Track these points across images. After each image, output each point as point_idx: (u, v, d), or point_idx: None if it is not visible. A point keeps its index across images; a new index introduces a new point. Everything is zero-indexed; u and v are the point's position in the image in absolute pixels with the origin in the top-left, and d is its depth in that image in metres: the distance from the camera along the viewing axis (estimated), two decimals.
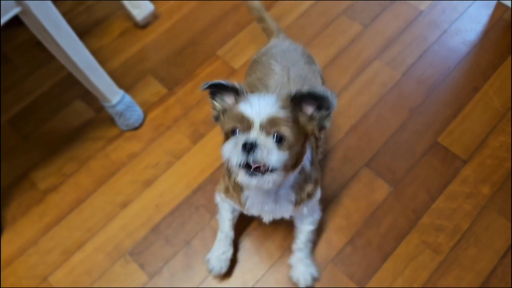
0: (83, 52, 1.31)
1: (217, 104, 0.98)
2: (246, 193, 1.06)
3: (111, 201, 1.46)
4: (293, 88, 0.93)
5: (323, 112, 0.92)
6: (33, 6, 1.12)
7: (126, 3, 1.76)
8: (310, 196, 1.09)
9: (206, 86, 0.94)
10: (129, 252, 1.38)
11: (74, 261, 1.38)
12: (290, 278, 1.28)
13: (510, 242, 1.32)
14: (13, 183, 1.51)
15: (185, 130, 1.58)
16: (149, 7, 1.78)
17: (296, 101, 0.91)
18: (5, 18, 1.11)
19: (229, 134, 0.92)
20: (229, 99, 0.97)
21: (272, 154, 0.86)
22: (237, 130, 0.90)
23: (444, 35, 1.72)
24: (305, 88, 0.89)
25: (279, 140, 0.88)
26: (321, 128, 0.94)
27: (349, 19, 1.78)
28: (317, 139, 1.15)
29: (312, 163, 1.07)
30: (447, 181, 1.43)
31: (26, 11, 1.14)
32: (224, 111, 0.97)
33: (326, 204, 1.40)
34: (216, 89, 0.97)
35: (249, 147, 0.84)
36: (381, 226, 1.37)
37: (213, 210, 1.42)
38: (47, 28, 1.18)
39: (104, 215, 1.44)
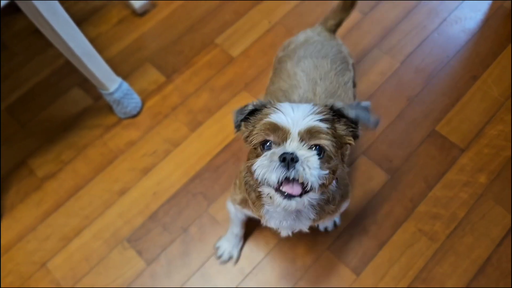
0: (80, 38, 1.30)
1: (243, 126, 0.87)
2: (266, 208, 0.93)
3: (109, 189, 1.47)
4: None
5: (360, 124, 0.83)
6: None
7: None
8: (331, 214, 0.99)
9: (238, 119, 0.84)
10: (126, 239, 1.38)
11: (72, 248, 1.38)
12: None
13: (506, 231, 1.33)
14: (11, 170, 1.52)
15: (183, 118, 1.57)
16: None
17: (335, 112, 0.82)
18: (2, 3, 1.10)
19: (258, 148, 0.81)
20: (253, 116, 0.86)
21: (314, 169, 0.75)
22: (269, 143, 0.80)
23: (444, 23, 1.71)
24: (352, 112, 0.80)
25: (319, 153, 0.78)
26: (355, 137, 0.84)
27: None
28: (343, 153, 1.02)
29: (338, 181, 0.95)
30: (444, 170, 1.43)
31: None
32: (248, 120, 0.86)
33: None
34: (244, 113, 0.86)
35: (288, 160, 0.73)
36: (378, 214, 1.38)
37: (210, 197, 1.43)
38: (43, 14, 1.17)
39: (102, 203, 1.45)
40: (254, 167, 0.78)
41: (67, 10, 1.26)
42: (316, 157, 0.76)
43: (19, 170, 1.52)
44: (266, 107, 0.83)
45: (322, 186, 0.79)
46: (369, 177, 1.43)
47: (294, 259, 1.33)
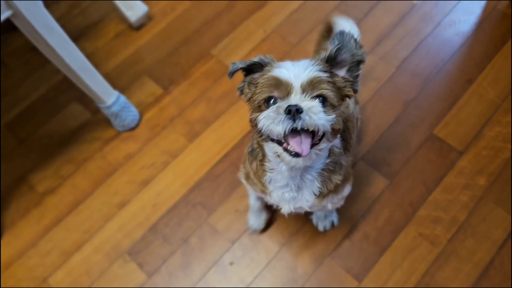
0: (75, 53, 1.32)
1: (247, 81, 0.92)
2: (269, 175, 0.97)
3: (109, 202, 1.47)
4: None
5: (354, 70, 0.87)
6: (24, 9, 1.12)
7: (119, 4, 1.77)
8: (337, 190, 1.00)
9: (238, 67, 0.89)
10: (127, 252, 1.38)
11: (73, 262, 1.38)
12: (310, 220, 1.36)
13: (508, 233, 1.32)
14: (11, 186, 1.52)
15: (180, 129, 1.58)
16: (142, 8, 1.79)
17: (330, 63, 0.86)
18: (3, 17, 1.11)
19: (263, 105, 0.84)
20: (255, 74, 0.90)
21: (320, 113, 0.78)
22: (274, 98, 0.83)
23: (438, 27, 1.72)
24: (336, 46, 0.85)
25: (322, 102, 0.81)
26: (354, 91, 0.88)
27: (342, 14, 1.78)
28: (348, 128, 1.07)
29: (344, 148, 0.99)
30: (443, 173, 1.43)
31: (17, 14, 1.15)
32: (250, 82, 0.90)
33: None
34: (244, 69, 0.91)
35: (294, 112, 0.76)
36: (378, 220, 1.37)
37: (210, 207, 1.43)
38: (38, 31, 1.19)
39: (102, 216, 1.45)
40: (260, 117, 0.81)
41: (64, 26, 1.28)
42: (320, 104, 0.80)
43: (19, 186, 1.52)
44: (267, 66, 0.87)
45: (334, 132, 0.83)
46: (368, 182, 1.43)
47: (295, 267, 1.32)
